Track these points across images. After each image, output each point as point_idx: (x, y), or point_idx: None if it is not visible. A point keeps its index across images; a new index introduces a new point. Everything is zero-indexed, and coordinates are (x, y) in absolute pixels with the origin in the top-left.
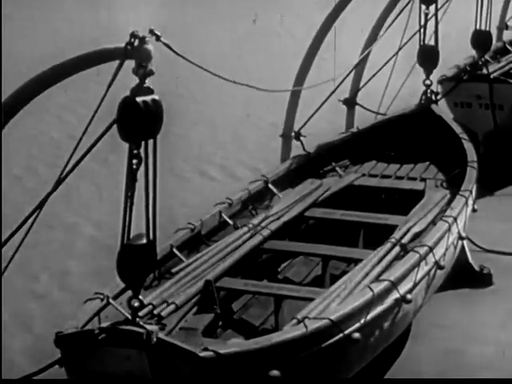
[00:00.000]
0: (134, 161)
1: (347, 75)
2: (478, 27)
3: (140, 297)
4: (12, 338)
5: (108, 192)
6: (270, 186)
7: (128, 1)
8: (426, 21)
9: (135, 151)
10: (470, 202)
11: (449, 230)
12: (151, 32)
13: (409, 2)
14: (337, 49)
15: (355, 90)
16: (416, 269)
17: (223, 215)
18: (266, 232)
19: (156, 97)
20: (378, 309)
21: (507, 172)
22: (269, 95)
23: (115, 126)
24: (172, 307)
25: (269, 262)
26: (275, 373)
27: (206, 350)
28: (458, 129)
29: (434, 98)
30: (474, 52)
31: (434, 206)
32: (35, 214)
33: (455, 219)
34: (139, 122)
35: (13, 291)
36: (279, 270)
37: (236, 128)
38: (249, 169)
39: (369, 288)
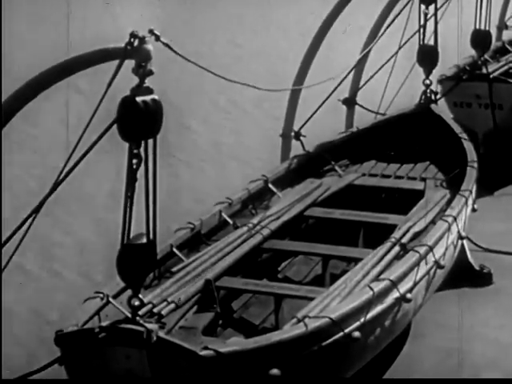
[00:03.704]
0: (134, 160)
1: (347, 75)
2: (477, 27)
3: (140, 296)
4: None
5: None
6: (270, 185)
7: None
8: (426, 20)
9: (135, 151)
10: (470, 201)
11: (449, 229)
12: (151, 32)
13: (408, 2)
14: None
15: (355, 89)
16: (416, 268)
17: (223, 214)
18: (265, 231)
19: (156, 96)
20: (378, 308)
21: (507, 172)
22: None
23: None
24: (172, 306)
25: (269, 261)
26: (275, 372)
27: (206, 348)
28: (457, 128)
29: (433, 97)
30: (473, 52)
31: (433, 206)
32: (34, 215)
33: (455, 219)
34: (139, 121)
35: None
36: (279, 269)
37: None
38: None
39: (369, 287)
